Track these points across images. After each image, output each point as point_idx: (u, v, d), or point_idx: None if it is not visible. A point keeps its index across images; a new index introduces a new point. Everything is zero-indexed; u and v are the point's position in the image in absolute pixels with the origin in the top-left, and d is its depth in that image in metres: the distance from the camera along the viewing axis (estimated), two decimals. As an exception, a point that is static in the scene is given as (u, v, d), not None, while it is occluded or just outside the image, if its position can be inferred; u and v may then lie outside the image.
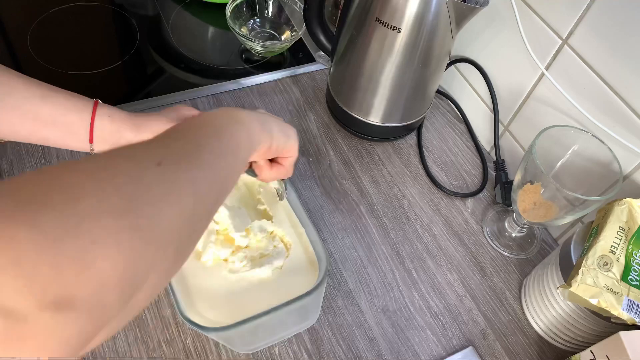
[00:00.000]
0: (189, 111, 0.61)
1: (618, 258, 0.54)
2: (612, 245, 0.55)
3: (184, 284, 0.55)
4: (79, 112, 0.55)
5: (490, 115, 0.82)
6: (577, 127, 0.65)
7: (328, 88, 0.82)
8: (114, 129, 0.56)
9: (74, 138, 0.56)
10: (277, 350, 0.60)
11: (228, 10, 0.88)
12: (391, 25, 0.67)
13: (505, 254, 0.73)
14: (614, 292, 0.52)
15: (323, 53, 0.83)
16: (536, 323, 0.65)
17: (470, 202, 0.78)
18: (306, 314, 0.60)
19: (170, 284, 0.52)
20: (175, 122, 0.58)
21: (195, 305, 0.53)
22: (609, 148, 0.61)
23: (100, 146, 0.57)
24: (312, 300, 0.53)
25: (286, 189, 0.62)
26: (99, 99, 0.57)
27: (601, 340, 0.52)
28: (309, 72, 0.90)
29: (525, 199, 0.64)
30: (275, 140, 0.52)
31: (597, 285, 0.53)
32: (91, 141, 0.56)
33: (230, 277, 0.56)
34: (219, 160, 0.40)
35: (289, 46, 0.91)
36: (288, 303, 0.51)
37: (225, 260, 0.57)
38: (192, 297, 0.54)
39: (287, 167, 0.57)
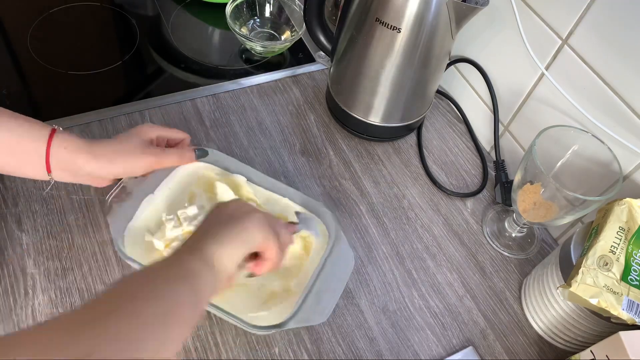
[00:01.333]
0: (150, 130, 0.60)
1: (618, 258, 0.54)
2: (612, 245, 0.55)
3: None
4: (34, 141, 0.53)
5: (490, 115, 0.82)
6: (577, 127, 0.65)
7: (328, 88, 0.82)
8: (71, 160, 0.55)
9: (30, 168, 0.55)
10: (277, 350, 0.60)
11: (228, 10, 0.88)
12: (391, 25, 0.67)
13: (505, 254, 0.73)
14: (614, 292, 0.52)
15: (323, 53, 0.83)
16: (536, 323, 0.65)
17: (470, 202, 0.78)
18: (345, 258, 0.62)
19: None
20: (135, 147, 0.57)
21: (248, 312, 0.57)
22: (609, 148, 0.61)
23: (59, 175, 0.56)
24: (342, 243, 0.61)
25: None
26: (58, 127, 0.56)
27: (601, 340, 0.52)
28: (309, 72, 0.90)
29: (525, 199, 0.64)
30: (236, 258, 0.49)
31: (597, 285, 0.53)
32: (49, 171, 0.55)
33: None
34: (164, 340, 0.38)
35: (289, 46, 0.91)
36: (326, 258, 0.58)
37: None
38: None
39: (273, 260, 0.53)
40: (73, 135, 0.56)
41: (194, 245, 0.47)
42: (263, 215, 0.52)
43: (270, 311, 0.57)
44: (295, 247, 0.63)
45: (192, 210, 0.61)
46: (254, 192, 0.66)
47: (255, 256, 0.53)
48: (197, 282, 0.44)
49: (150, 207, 0.64)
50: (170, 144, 0.64)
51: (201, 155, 0.64)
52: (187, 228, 0.60)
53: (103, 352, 0.33)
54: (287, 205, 0.65)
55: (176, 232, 0.60)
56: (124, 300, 0.38)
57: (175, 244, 0.60)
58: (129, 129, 0.60)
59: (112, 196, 0.61)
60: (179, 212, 0.61)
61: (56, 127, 0.55)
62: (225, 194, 0.64)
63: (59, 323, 0.35)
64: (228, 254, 0.48)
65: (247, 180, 0.66)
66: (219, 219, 0.51)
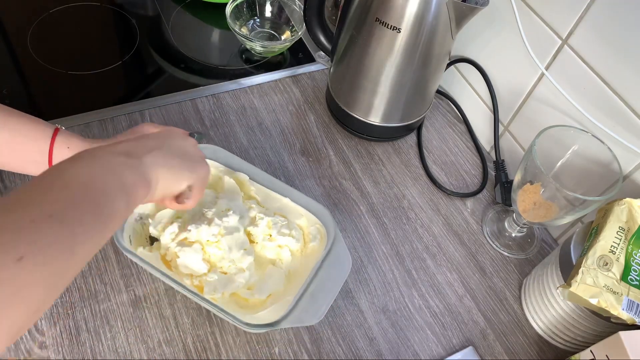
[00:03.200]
0: (152, 129, 0.59)
1: (618, 258, 0.54)
2: (612, 245, 0.55)
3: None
4: (37, 140, 0.54)
5: (490, 115, 0.82)
6: (577, 127, 0.65)
7: (328, 88, 0.82)
8: None
9: (33, 166, 0.55)
10: (277, 350, 0.60)
11: (228, 10, 0.88)
12: (391, 25, 0.67)
13: (505, 254, 0.73)
14: (614, 292, 0.52)
15: (323, 53, 0.83)
16: (536, 323, 0.65)
17: (470, 202, 0.78)
18: (342, 260, 0.62)
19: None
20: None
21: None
22: (609, 148, 0.61)
23: None
24: (339, 245, 0.61)
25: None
26: (61, 127, 0.56)
27: (601, 340, 0.52)
28: (309, 72, 0.90)
29: (525, 199, 0.64)
30: (175, 187, 0.48)
31: (597, 285, 0.53)
32: None
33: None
34: (92, 236, 0.37)
35: (289, 46, 0.91)
36: (323, 260, 0.59)
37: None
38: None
39: (187, 205, 0.52)
40: (76, 135, 0.56)
41: (138, 158, 0.45)
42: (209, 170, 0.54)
43: (267, 310, 0.57)
44: (293, 247, 0.63)
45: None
46: (256, 190, 0.66)
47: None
48: (132, 197, 0.42)
49: (150, 204, 0.64)
50: None
51: (198, 139, 0.62)
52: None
53: (35, 258, 0.32)
54: (286, 204, 0.65)
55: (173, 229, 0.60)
56: (65, 205, 0.36)
57: (177, 241, 0.60)
58: (130, 129, 0.60)
59: None
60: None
61: (59, 127, 0.56)
62: (232, 189, 0.64)
63: None
64: (169, 181, 0.47)
65: (250, 178, 0.66)
66: (173, 145, 0.50)
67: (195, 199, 0.52)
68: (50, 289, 0.34)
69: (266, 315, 0.56)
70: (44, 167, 0.55)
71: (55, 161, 0.55)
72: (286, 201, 0.65)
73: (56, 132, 0.55)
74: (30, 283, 0.32)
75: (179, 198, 0.51)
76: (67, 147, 0.55)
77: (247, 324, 0.54)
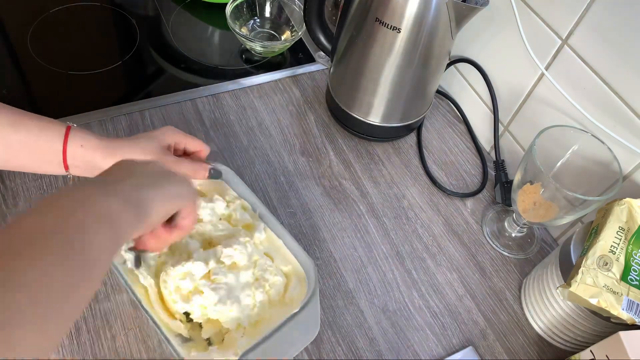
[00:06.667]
0: (171, 136, 0.58)
1: (618, 258, 0.54)
2: (612, 245, 0.55)
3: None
4: (51, 140, 0.53)
5: (490, 115, 0.82)
6: (577, 127, 0.65)
7: (328, 88, 0.82)
8: (87, 158, 0.55)
9: (48, 166, 0.55)
10: (277, 350, 0.60)
11: (228, 10, 0.88)
12: (391, 26, 0.67)
13: (505, 254, 0.73)
14: (614, 292, 0.52)
15: (323, 53, 0.83)
16: (536, 323, 0.65)
17: (470, 202, 0.78)
18: (308, 326, 0.59)
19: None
20: (152, 153, 0.56)
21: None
22: (609, 148, 0.61)
23: (77, 171, 0.56)
24: (309, 311, 0.53)
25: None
26: (72, 124, 0.55)
27: (601, 340, 0.52)
28: (309, 72, 0.90)
29: (525, 199, 0.64)
30: (168, 207, 0.43)
31: (597, 285, 0.53)
32: (66, 168, 0.55)
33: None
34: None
35: (289, 46, 0.91)
36: (286, 321, 0.51)
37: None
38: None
39: (187, 226, 0.48)
40: (89, 132, 0.56)
41: (109, 186, 0.39)
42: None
43: (215, 351, 0.52)
44: (272, 295, 0.57)
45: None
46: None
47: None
48: (116, 225, 0.36)
49: None
50: (187, 152, 0.62)
51: (215, 176, 0.61)
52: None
53: None
54: (278, 247, 0.59)
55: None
56: (23, 254, 0.30)
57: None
58: (151, 131, 0.59)
59: None
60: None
61: (71, 125, 0.55)
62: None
63: None
64: (160, 199, 0.42)
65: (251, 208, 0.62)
66: (155, 168, 0.45)
67: (191, 217, 0.48)
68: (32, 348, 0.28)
69: (209, 354, 0.52)
70: (59, 166, 0.55)
71: (69, 160, 0.54)
72: (279, 244, 0.59)
73: (68, 130, 0.54)
74: None
75: (172, 221, 0.47)
76: (80, 146, 0.54)
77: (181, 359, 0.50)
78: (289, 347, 0.57)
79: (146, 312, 0.52)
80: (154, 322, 0.52)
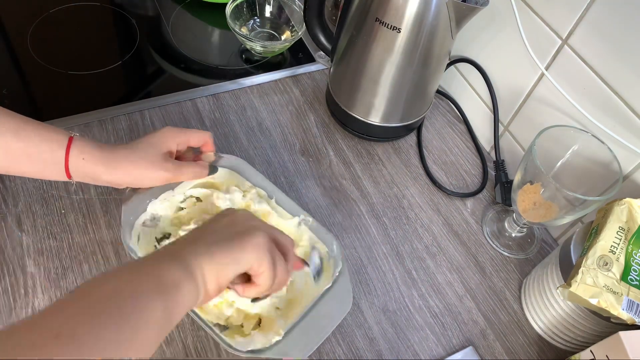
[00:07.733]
0: (171, 139, 0.59)
1: (618, 258, 0.54)
2: (612, 245, 0.55)
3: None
4: (52, 151, 0.53)
5: (490, 115, 0.82)
6: (577, 127, 0.65)
7: (328, 88, 0.82)
8: (89, 170, 0.55)
9: (50, 173, 0.55)
10: (277, 350, 0.60)
11: (228, 10, 0.88)
12: (391, 25, 0.67)
13: (505, 254, 0.73)
14: (614, 292, 0.52)
15: (323, 53, 0.83)
16: (536, 323, 0.65)
17: (470, 202, 0.78)
18: (343, 298, 0.60)
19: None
20: (152, 163, 0.56)
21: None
22: (609, 148, 0.61)
23: (79, 179, 0.56)
24: (344, 281, 0.59)
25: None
26: (75, 134, 0.56)
27: (601, 340, 0.52)
28: (309, 72, 0.90)
29: (525, 199, 0.64)
30: (223, 276, 0.45)
31: (597, 285, 0.53)
32: (69, 177, 0.55)
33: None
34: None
35: (289, 46, 0.91)
36: (322, 296, 0.57)
37: None
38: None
39: (261, 287, 0.49)
40: (90, 143, 0.56)
41: (179, 251, 0.43)
42: (268, 236, 0.49)
43: (257, 334, 0.55)
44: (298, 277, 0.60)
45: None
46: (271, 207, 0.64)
47: (247, 276, 0.50)
48: (172, 297, 0.39)
49: (166, 204, 0.63)
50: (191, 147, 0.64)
51: (212, 172, 0.64)
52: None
53: None
54: (303, 230, 0.63)
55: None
56: (78, 320, 0.33)
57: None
58: (149, 135, 0.59)
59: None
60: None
61: (73, 135, 0.55)
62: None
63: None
64: (215, 270, 0.44)
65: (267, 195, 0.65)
66: (217, 227, 0.48)
67: (263, 277, 0.48)
68: None
69: (252, 340, 0.55)
70: (62, 175, 0.55)
71: (71, 170, 0.55)
72: (303, 227, 0.63)
73: (70, 140, 0.54)
74: None
75: (251, 280, 0.49)
76: (82, 159, 0.54)
77: (230, 345, 0.53)
78: (329, 321, 0.58)
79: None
80: (198, 316, 0.55)
